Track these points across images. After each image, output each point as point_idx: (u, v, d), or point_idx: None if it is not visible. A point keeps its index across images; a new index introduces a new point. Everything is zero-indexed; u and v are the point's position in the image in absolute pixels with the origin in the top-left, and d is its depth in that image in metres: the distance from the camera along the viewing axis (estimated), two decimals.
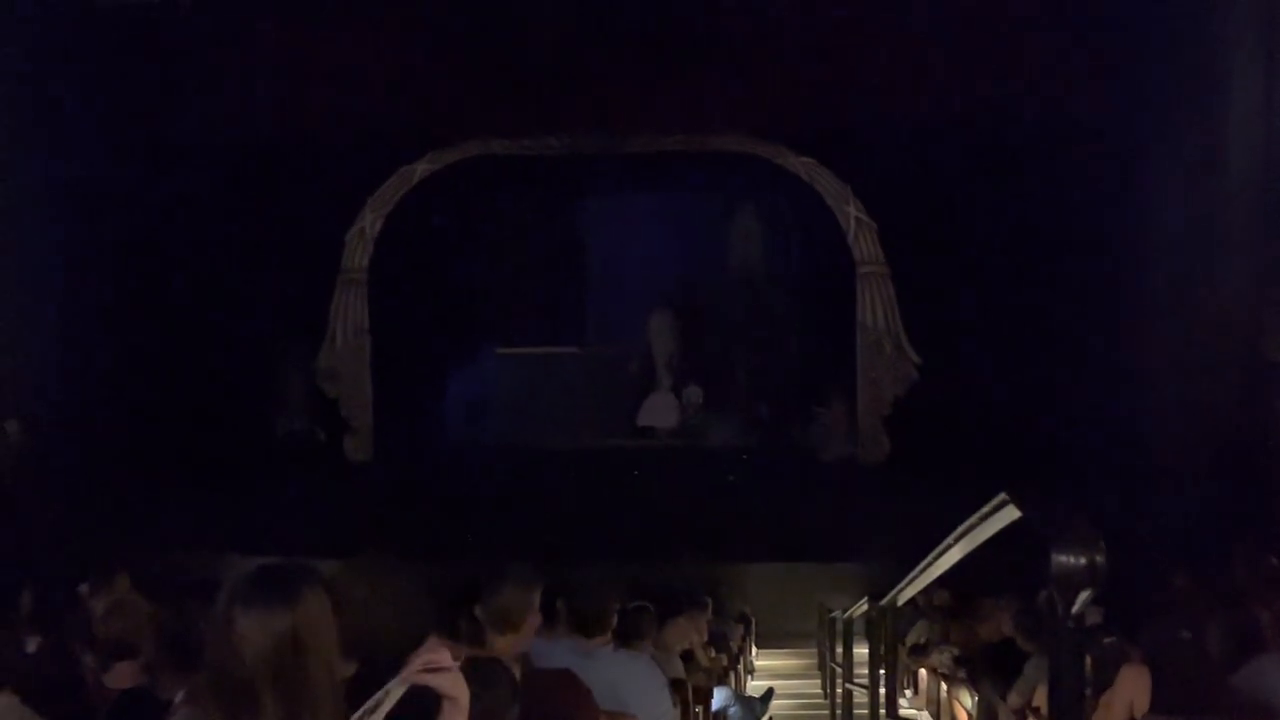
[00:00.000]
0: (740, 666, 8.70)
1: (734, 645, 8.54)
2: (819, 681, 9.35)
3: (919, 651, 8.07)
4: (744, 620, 9.83)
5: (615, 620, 4.04)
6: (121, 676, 3.77)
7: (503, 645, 3.30)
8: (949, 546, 2.56)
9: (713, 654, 7.47)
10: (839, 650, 7.38)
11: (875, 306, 12.91)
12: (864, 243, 12.87)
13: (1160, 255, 10.63)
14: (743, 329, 14.48)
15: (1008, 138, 11.39)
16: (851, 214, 12.84)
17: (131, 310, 11.71)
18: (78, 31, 10.93)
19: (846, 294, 13.02)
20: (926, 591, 8.52)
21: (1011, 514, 1.90)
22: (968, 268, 11.76)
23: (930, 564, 2.89)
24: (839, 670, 7.22)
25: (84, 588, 5.62)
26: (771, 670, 10.15)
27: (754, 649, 10.27)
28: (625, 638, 4.41)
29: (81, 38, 10.95)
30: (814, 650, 10.29)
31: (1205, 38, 10.09)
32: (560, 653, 3.79)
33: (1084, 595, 1.61)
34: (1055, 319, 11.42)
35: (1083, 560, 1.59)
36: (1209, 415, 10.01)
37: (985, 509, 2.07)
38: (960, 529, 2.34)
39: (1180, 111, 10.44)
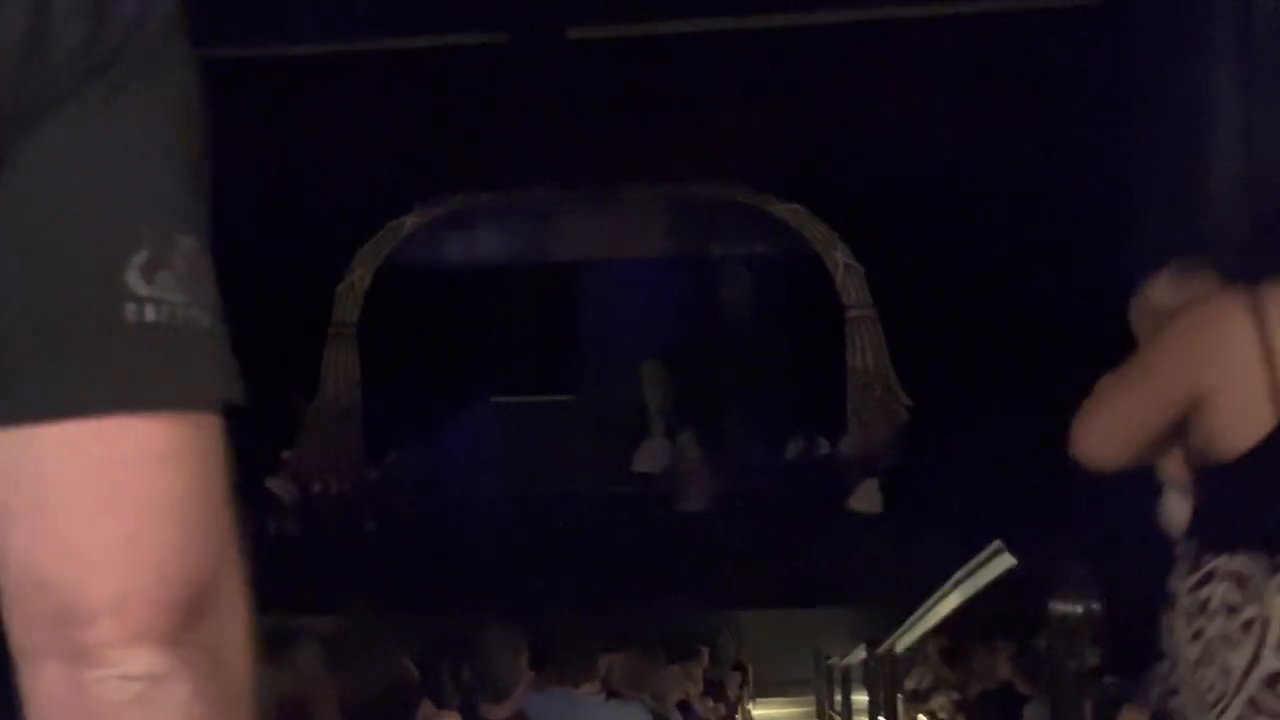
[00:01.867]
0: (738, 716, 8.65)
1: (731, 694, 8.49)
2: None
3: (918, 697, 8.02)
4: (740, 668, 9.77)
5: (602, 668, 4.01)
6: None
7: (495, 711, 3.28)
8: (946, 593, 2.56)
9: (710, 704, 7.43)
10: (837, 698, 7.34)
11: (865, 350, 12.98)
12: (852, 287, 12.96)
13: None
14: (734, 375, 14.48)
15: (996, 179, 11.47)
16: (839, 259, 12.94)
17: None
18: None
19: (836, 338, 13.08)
20: (924, 636, 8.49)
21: (1006, 561, 1.91)
22: (958, 309, 11.82)
23: (927, 611, 2.90)
24: (838, 718, 7.18)
25: None
26: (770, 719, 10.08)
27: (752, 698, 10.20)
28: (618, 686, 4.38)
29: None
30: (812, 698, 10.22)
31: (1187, 69, 10.18)
32: (549, 702, 3.76)
33: (1082, 642, 1.61)
34: (1048, 359, 11.45)
35: (1079, 609, 1.59)
36: None
37: (981, 556, 2.07)
38: (956, 576, 2.35)
39: (1169, 142, 10.49)
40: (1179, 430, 1.39)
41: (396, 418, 13.41)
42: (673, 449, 13.67)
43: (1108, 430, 1.43)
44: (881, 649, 3.92)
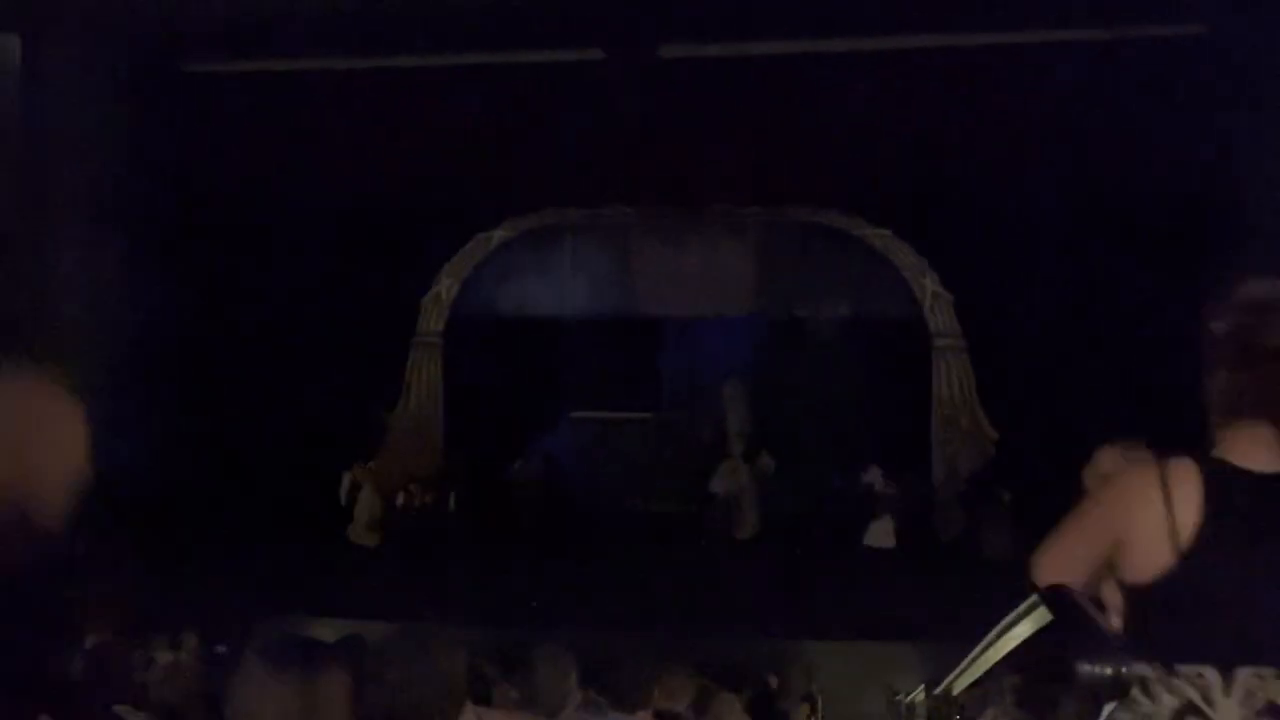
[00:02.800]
0: None
1: None
2: None
3: None
4: (810, 700, 9.60)
5: (656, 694, 3.94)
6: None
7: None
8: (991, 643, 2.47)
9: None
10: None
11: (951, 380, 12.72)
12: (940, 315, 12.71)
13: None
14: (817, 400, 14.28)
15: (1088, 206, 11.19)
16: (928, 286, 12.72)
17: (208, 373, 11.91)
18: (165, 96, 11.23)
19: (922, 367, 12.84)
20: (996, 675, 8.24)
21: (1044, 616, 1.82)
22: (1047, 341, 11.52)
23: (975, 659, 2.80)
24: None
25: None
26: None
27: None
28: (663, 704, 4.29)
29: (169, 102, 11.24)
30: None
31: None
32: None
33: (1109, 708, 1.53)
34: (1140, 393, 11.10)
35: (1108, 671, 1.51)
36: None
37: (1020, 609, 1.99)
38: (1000, 626, 2.25)
39: (1270, 172, 10.08)
40: (1109, 565, 1.96)
41: (477, 430, 13.50)
42: (750, 471, 13.52)
43: (1057, 562, 2.00)
44: (938, 691, 3.81)
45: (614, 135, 11.86)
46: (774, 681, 8.28)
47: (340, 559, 12.07)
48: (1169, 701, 1.80)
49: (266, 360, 12.14)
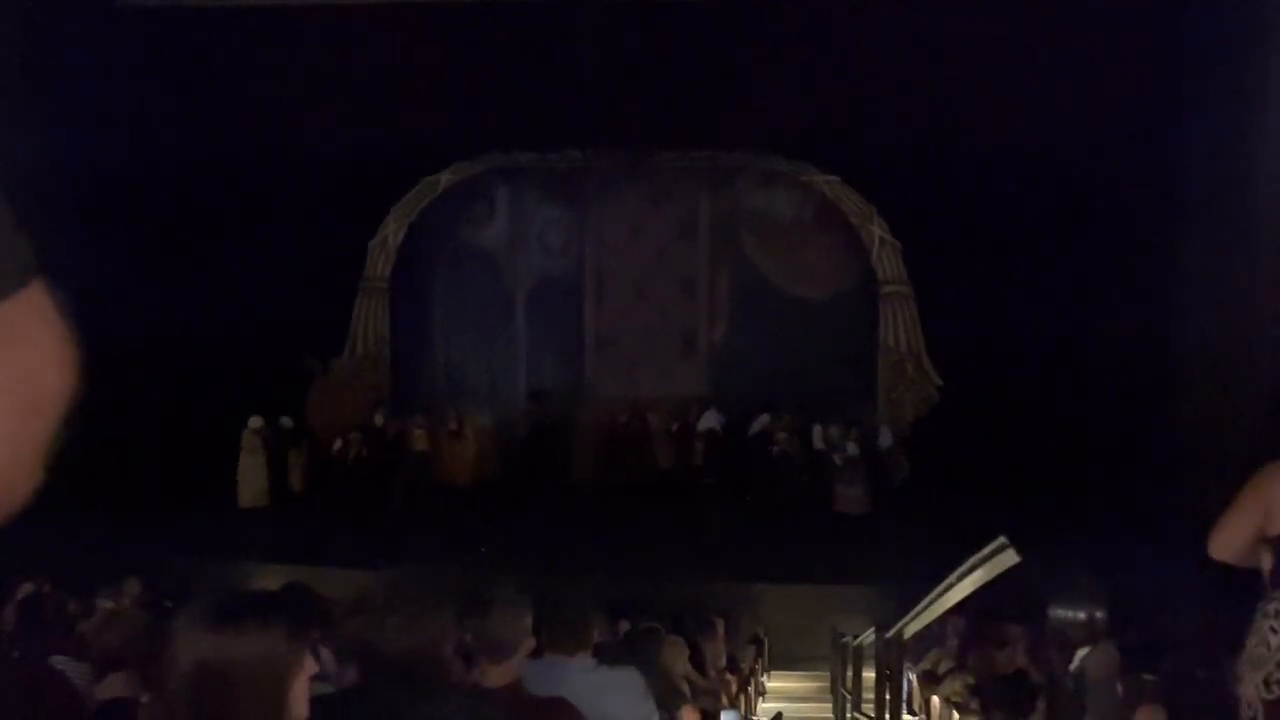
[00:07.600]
0: (751, 688, 8.59)
1: (745, 667, 8.43)
2: (830, 705, 9.22)
3: (932, 679, 7.92)
4: (757, 642, 9.71)
5: (594, 637, 3.94)
6: (113, 687, 3.71)
7: (495, 674, 3.22)
8: (951, 585, 2.48)
9: (726, 676, 7.38)
10: (850, 675, 7.28)
11: (898, 327, 12.80)
12: (887, 263, 12.77)
13: (1191, 273, 10.40)
14: (766, 348, 14.30)
15: (1034, 157, 11.24)
16: (876, 233, 12.75)
17: (153, 318, 11.63)
18: (102, 35, 10.86)
19: (870, 314, 12.91)
20: (942, 617, 8.40)
21: (1010, 558, 1.82)
22: (992, 288, 11.61)
23: (933, 601, 2.82)
24: (849, 695, 7.12)
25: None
26: (784, 692, 10.02)
27: (767, 670, 10.15)
28: (636, 661, 4.30)
29: (107, 41, 10.86)
30: (828, 673, 10.15)
31: (1233, 48, 9.88)
32: (541, 670, 3.69)
33: (1082, 652, 1.54)
34: (1082, 341, 11.25)
35: (1082, 616, 1.52)
36: (1235, 444, 9.77)
37: (986, 551, 1.99)
38: (961, 568, 2.26)
39: (1210, 123, 10.19)
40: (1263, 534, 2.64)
41: (422, 373, 13.38)
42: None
43: (1224, 535, 2.67)
44: (890, 633, 3.85)
45: (562, 79, 11.68)
46: (720, 623, 8.33)
47: (282, 507, 11.98)
48: None
49: (208, 306, 11.89)
